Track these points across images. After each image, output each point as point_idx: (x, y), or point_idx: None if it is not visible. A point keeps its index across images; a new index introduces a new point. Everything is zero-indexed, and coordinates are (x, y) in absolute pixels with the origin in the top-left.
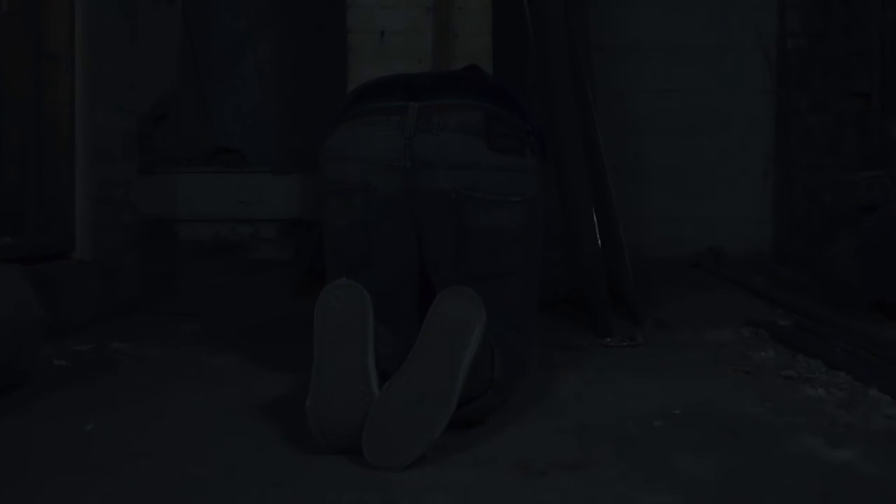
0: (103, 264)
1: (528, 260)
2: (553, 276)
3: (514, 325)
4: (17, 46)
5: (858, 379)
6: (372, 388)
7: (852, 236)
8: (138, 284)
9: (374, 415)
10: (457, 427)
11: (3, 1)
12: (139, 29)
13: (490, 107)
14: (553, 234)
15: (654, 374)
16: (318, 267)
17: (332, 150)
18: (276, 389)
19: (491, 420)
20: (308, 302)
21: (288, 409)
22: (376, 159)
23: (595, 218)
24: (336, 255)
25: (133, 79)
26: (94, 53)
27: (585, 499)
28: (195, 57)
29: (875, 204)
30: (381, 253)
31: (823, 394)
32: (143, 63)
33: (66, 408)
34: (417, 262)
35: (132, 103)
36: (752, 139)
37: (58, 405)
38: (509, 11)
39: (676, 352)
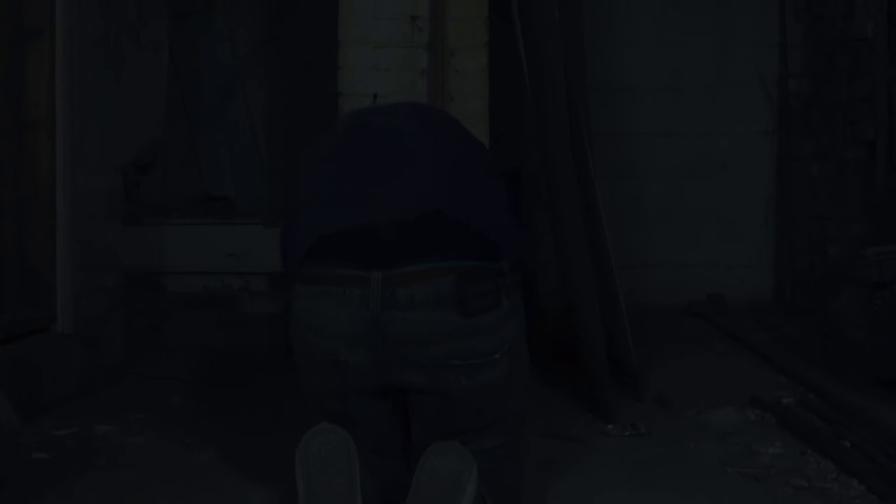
0: (86, 333)
1: (515, 401)
2: (551, 332)
3: (503, 462)
4: None
5: (873, 492)
6: None
7: (855, 291)
8: (122, 349)
9: None
10: None
11: None
12: (124, 78)
13: (460, 265)
14: (550, 286)
15: (658, 483)
16: None
17: (301, 320)
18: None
19: None
20: None
21: None
22: (344, 336)
23: (595, 287)
24: (313, 403)
25: (118, 133)
26: (77, 115)
27: None
28: (183, 102)
29: (885, 281)
30: (360, 415)
31: None
32: (128, 112)
33: None
34: (399, 417)
35: (116, 159)
36: (753, 182)
37: None
38: (505, 69)
39: (680, 444)
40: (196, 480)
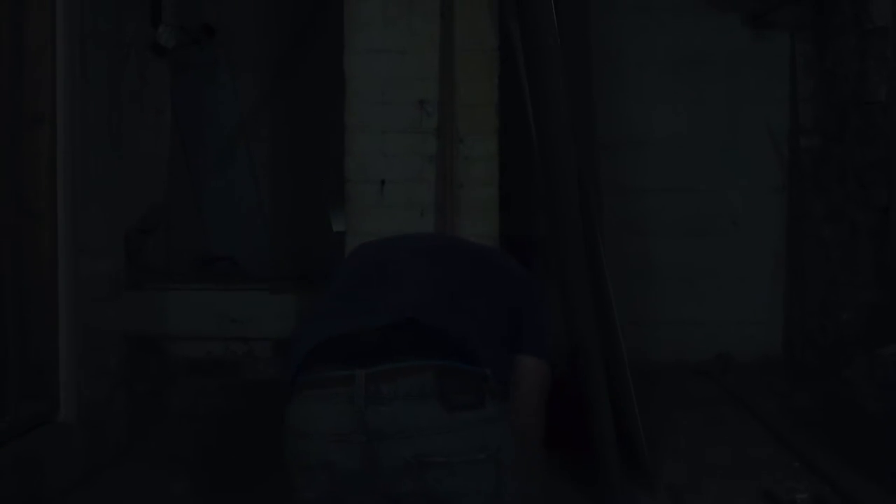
0: (89, 418)
1: None
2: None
3: None
4: None
5: None
6: None
7: (867, 359)
8: (125, 427)
9: None
10: None
11: None
12: (127, 148)
13: (441, 363)
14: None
15: None
16: None
17: (291, 426)
18: None
19: None
20: None
21: None
22: (332, 434)
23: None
24: None
25: (120, 205)
26: (78, 200)
27: None
28: (187, 163)
29: None
30: None
31: None
32: (131, 180)
33: None
34: None
35: (118, 236)
36: (762, 238)
37: None
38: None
39: None
40: None
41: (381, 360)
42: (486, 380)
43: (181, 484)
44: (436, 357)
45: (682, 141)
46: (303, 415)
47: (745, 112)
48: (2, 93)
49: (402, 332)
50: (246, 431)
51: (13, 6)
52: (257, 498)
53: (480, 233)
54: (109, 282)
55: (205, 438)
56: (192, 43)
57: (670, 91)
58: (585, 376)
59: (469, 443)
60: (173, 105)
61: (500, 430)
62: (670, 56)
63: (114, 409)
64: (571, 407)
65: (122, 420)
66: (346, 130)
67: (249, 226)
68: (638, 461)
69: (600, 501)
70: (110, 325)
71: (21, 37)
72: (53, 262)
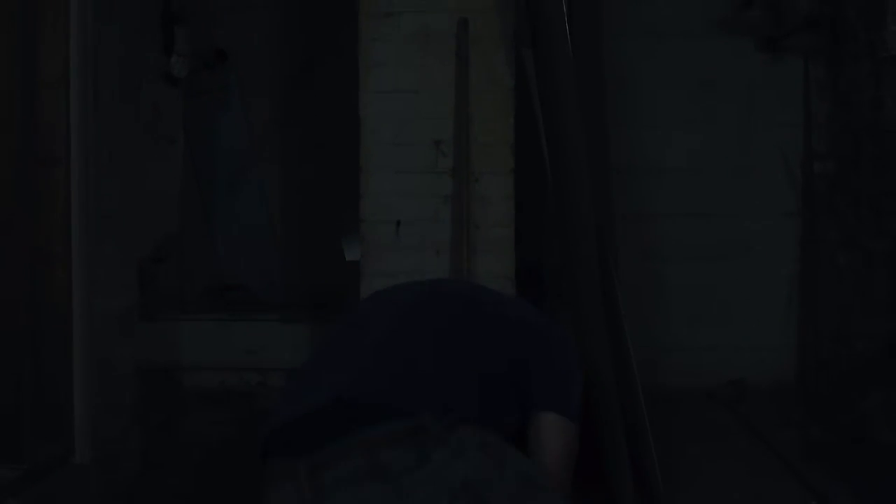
0: (104, 457)
1: None
2: None
3: None
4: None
5: None
6: None
7: (883, 391)
8: (139, 463)
9: None
10: None
11: None
12: (141, 181)
13: (369, 434)
14: None
15: None
16: None
17: None
18: None
19: None
20: None
21: None
22: None
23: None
24: None
25: (135, 238)
26: (92, 239)
27: None
28: (199, 189)
29: None
30: None
31: None
32: (145, 213)
33: None
34: None
35: (132, 272)
36: (776, 264)
37: None
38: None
39: None
40: None
41: (315, 446)
42: (423, 429)
43: None
44: (364, 428)
45: (696, 165)
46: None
47: (758, 136)
48: (14, 134)
49: (335, 411)
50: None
51: (25, 41)
52: None
53: (496, 272)
54: (124, 317)
55: (218, 471)
56: (204, 67)
57: (683, 115)
58: (600, 410)
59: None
60: (185, 131)
61: (462, 469)
62: (683, 80)
63: (128, 446)
64: (583, 440)
65: (135, 455)
66: (361, 171)
67: (261, 252)
68: (653, 496)
69: None
70: (124, 360)
71: (34, 73)
72: (68, 301)
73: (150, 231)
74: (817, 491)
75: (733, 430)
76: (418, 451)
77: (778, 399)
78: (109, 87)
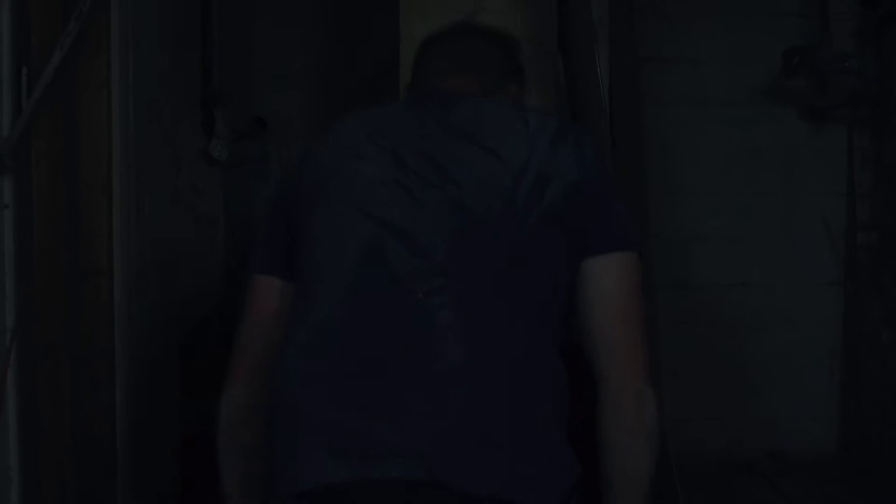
0: None
1: None
2: None
3: None
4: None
5: None
6: None
7: None
8: None
9: None
10: None
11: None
12: (181, 267)
13: None
14: None
15: None
16: None
17: None
18: None
19: None
20: None
21: None
22: None
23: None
24: None
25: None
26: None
27: None
28: (238, 265)
29: None
30: None
31: None
32: (184, 299)
33: None
34: None
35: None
36: (818, 333)
37: None
38: None
39: None
40: None
41: None
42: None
43: None
44: None
45: (736, 234)
46: None
47: (801, 205)
48: (58, 248)
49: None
50: None
51: (68, 150)
52: None
53: None
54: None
55: None
56: (243, 137)
57: (724, 184)
58: None
59: None
60: (225, 208)
61: None
62: (725, 148)
63: None
64: None
65: None
66: None
67: None
68: None
69: None
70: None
71: (77, 179)
72: (111, 411)
73: (187, 315)
74: None
75: None
76: None
77: (818, 472)
78: (151, 186)
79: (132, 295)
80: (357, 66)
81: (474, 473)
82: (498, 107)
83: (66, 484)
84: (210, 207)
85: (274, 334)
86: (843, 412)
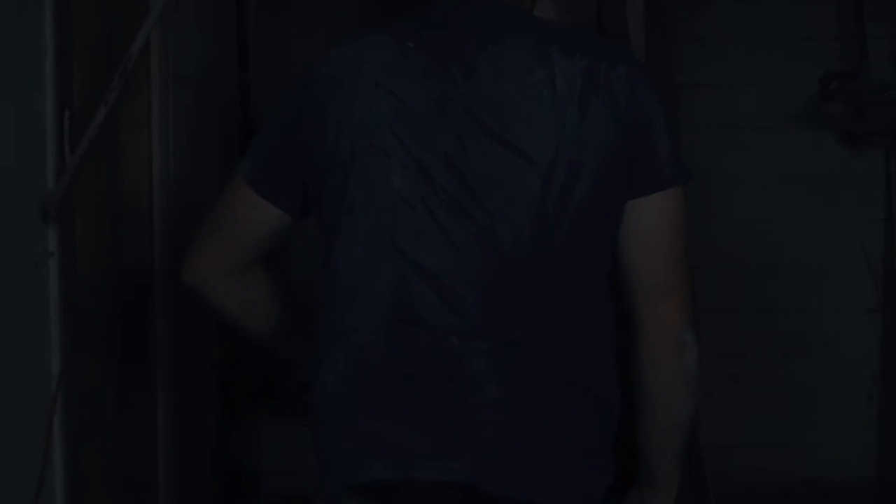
0: None
1: None
2: None
3: None
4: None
5: None
6: None
7: None
8: None
9: None
10: None
11: None
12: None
13: None
14: None
15: None
16: None
17: None
18: None
19: None
20: None
21: None
22: None
23: None
24: None
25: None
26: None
27: None
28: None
29: None
30: None
31: None
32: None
33: None
34: None
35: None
36: (856, 360)
37: None
38: None
39: None
40: None
41: None
42: None
43: None
44: None
45: (774, 260)
46: None
47: (838, 231)
48: (101, 292)
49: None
50: None
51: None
52: None
53: None
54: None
55: None
56: None
57: (761, 209)
58: None
59: None
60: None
61: None
62: (761, 174)
63: None
64: None
65: None
66: None
67: None
68: None
69: None
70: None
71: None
72: (154, 457)
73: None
74: None
75: None
76: None
77: (856, 499)
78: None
79: (177, 335)
80: None
81: (511, 478)
82: (521, 43)
83: None
84: None
85: (249, 248)
86: (882, 438)
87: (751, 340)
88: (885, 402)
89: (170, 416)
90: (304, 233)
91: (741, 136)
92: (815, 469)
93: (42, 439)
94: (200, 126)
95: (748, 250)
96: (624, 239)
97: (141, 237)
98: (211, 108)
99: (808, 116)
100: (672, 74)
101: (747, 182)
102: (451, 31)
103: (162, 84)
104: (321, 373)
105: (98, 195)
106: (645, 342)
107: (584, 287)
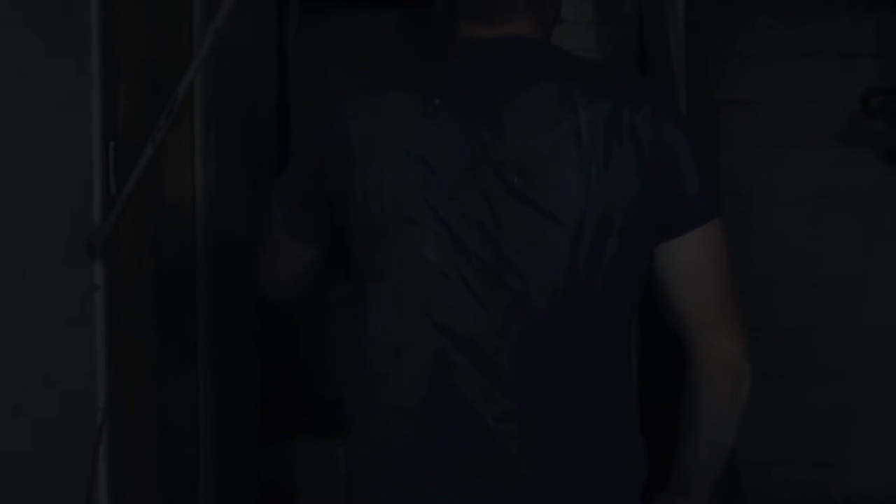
0: None
1: None
2: None
3: None
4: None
5: None
6: None
7: None
8: None
9: None
10: None
11: None
12: None
13: None
14: None
15: None
16: None
17: None
18: None
19: None
20: None
21: None
22: None
23: None
24: None
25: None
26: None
27: None
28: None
29: None
30: None
31: None
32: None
33: None
34: None
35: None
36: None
37: None
38: None
39: None
40: None
41: None
42: None
43: None
44: None
45: (813, 278)
46: None
47: (877, 248)
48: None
49: None
50: None
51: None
52: None
53: None
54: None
55: None
56: None
57: (800, 226)
58: None
59: None
60: None
61: None
62: (800, 191)
63: None
64: None
65: None
66: None
67: None
68: None
69: None
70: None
71: (162, 249)
72: (196, 483)
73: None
74: None
75: None
76: None
77: None
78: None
79: (219, 361)
80: None
81: None
82: (546, 89)
83: None
84: None
85: (304, 274)
86: None
87: (789, 358)
88: None
89: (211, 441)
90: None
91: (780, 152)
92: (855, 487)
93: (87, 472)
94: (240, 147)
95: (785, 268)
96: (666, 278)
97: (184, 265)
98: (251, 133)
99: (847, 133)
100: (712, 92)
101: (786, 199)
102: (477, 78)
103: (205, 113)
104: (356, 440)
105: (142, 226)
106: (703, 375)
107: (614, 342)
